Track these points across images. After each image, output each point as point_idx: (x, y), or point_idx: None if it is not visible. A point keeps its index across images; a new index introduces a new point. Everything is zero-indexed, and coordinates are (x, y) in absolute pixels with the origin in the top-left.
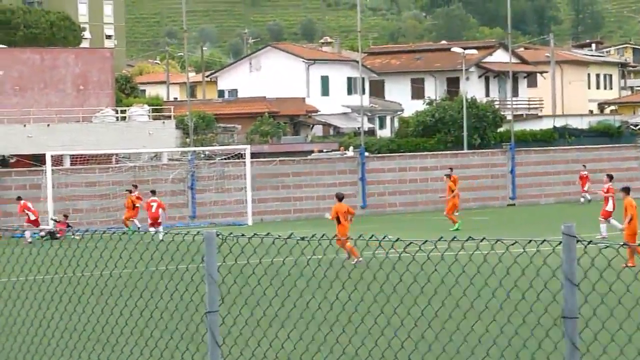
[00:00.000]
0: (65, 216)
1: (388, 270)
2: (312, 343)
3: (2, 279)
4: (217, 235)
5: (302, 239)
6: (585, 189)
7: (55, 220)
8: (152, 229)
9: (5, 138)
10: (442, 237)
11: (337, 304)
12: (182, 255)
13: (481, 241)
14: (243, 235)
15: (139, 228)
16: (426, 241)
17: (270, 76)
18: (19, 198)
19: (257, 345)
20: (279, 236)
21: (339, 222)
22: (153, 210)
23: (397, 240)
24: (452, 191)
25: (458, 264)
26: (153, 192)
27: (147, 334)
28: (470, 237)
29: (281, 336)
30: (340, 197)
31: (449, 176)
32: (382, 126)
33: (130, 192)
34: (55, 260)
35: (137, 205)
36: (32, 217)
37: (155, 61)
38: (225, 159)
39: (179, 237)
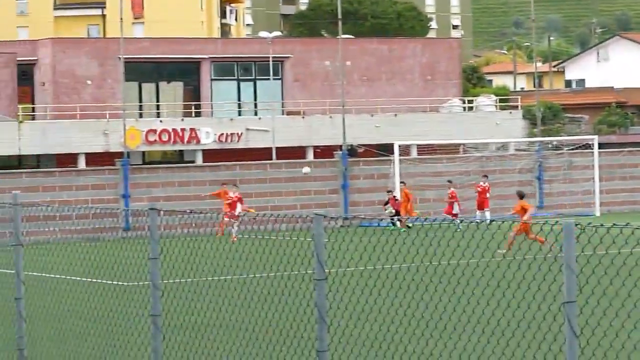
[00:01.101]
0: None
1: None
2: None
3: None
4: (576, 225)
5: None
6: None
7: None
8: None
9: (354, 128)
10: None
11: None
12: (539, 245)
13: None
14: (602, 225)
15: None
16: None
17: (618, 66)
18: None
19: (615, 336)
20: (639, 226)
21: None
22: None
23: None
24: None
25: None
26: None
27: (503, 323)
28: None
29: (627, 326)
30: None
31: None
32: None
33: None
34: (404, 249)
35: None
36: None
37: (502, 51)
38: (572, 149)
39: (536, 227)
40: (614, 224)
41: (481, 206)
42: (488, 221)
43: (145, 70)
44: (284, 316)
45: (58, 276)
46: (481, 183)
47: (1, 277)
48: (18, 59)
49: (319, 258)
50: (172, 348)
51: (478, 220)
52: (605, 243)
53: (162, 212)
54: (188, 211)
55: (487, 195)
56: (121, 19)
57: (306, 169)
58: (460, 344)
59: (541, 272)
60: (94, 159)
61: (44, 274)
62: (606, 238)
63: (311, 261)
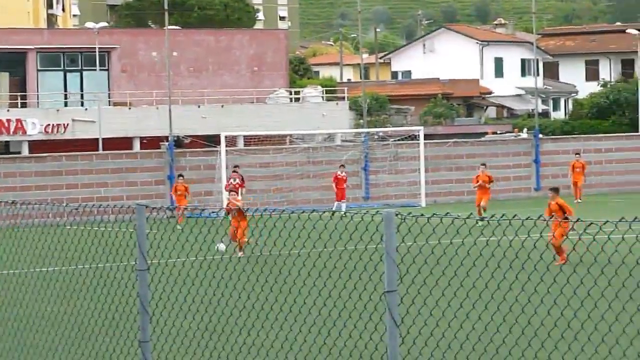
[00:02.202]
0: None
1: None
2: (490, 324)
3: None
4: (396, 215)
5: (482, 219)
6: None
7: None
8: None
9: (180, 119)
10: (622, 218)
11: (516, 285)
12: (361, 235)
13: None
14: (422, 215)
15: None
16: (607, 222)
17: (444, 58)
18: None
19: (436, 325)
20: (458, 216)
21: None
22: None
23: (577, 221)
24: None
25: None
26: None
27: (325, 313)
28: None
29: (460, 317)
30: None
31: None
32: (555, 108)
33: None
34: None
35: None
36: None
37: (329, 42)
38: (398, 140)
39: (357, 217)
40: (434, 214)
41: (339, 196)
42: (343, 212)
43: None
44: (107, 307)
45: None
46: (339, 173)
47: None
48: None
49: (141, 248)
50: None
51: (333, 210)
52: (425, 233)
53: None
54: (10, 201)
55: (345, 185)
56: None
57: (221, 246)
58: (282, 334)
59: (362, 261)
60: None
61: None
62: (426, 228)
63: (134, 252)
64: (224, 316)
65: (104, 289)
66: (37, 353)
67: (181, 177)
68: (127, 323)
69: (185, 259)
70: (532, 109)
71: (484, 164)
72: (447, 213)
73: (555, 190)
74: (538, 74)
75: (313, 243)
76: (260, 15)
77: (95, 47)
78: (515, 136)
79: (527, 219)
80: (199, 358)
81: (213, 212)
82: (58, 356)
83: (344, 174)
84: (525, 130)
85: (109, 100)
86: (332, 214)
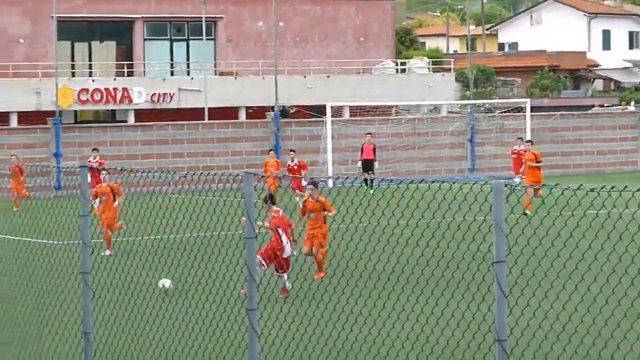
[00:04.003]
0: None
1: None
2: (599, 296)
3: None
4: (505, 185)
5: (592, 190)
6: None
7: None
8: None
9: (286, 89)
10: None
11: (625, 257)
12: (470, 205)
13: None
14: (532, 186)
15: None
16: None
17: (551, 30)
18: None
19: (544, 296)
20: (568, 187)
21: None
22: None
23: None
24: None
25: None
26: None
27: (432, 283)
28: None
29: (568, 288)
30: None
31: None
32: None
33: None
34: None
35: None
36: None
37: (435, 14)
38: (504, 112)
39: (466, 187)
40: (544, 184)
41: (518, 170)
42: (517, 186)
43: (78, 30)
44: (214, 275)
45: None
46: (516, 147)
47: None
48: None
49: (249, 216)
50: (101, 305)
51: (512, 184)
52: (535, 204)
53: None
54: (119, 169)
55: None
56: None
57: (167, 284)
58: (398, 304)
59: (470, 232)
60: (25, 117)
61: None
62: (535, 199)
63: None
64: (340, 284)
65: (212, 256)
66: (145, 321)
67: (271, 151)
68: (234, 291)
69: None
70: None
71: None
72: (557, 184)
73: None
74: None
75: (421, 213)
76: None
77: (201, 17)
78: (622, 109)
79: (637, 190)
80: (305, 326)
81: (322, 181)
82: (165, 323)
83: (522, 147)
84: (632, 103)
85: (215, 70)
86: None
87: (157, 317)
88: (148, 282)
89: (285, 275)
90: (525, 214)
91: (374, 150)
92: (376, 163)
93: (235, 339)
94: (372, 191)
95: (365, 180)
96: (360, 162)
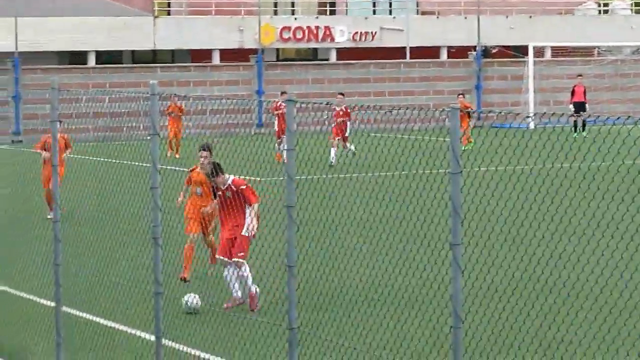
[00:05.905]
0: None
1: None
2: None
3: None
4: None
5: None
6: None
7: None
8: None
9: (488, 29)
10: None
11: None
12: None
13: None
14: None
15: None
16: None
17: None
18: None
19: None
20: None
21: None
22: None
23: None
24: None
25: None
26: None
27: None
28: None
29: None
30: None
31: None
32: None
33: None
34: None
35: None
36: None
37: None
38: None
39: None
40: None
41: None
42: None
43: None
44: (418, 210)
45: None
46: None
47: (137, 169)
48: None
49: (455, 151)
50: (305, 239)
51: None
52: None
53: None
54: (326, 103)
55: None
56: None
57: (193, 301)
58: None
59: None
60: (228, 55)
61: (176, 168)
62: None
63: (446, 157)
64: (531, 228)
65: (416, 191)
66: (346, 254)
67: (461, 95)
68: (438, 226)
69: (495, 169)
70: None
71: None
72: None
73: None
74: None
75: (603, 156)
76: None
77: None
78: None
79: None
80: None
81: (523, 123)
82: (362, 256)
83: None
84: None
85: (417, 9)
86: None
87: (355, 251)
88: (352, 216)
89: None
90: None
91: (585, 92)
92: (587, 105)
93: (439, 273)
94: (584, 133)
95: (575, 123)
96: (572, 105)
